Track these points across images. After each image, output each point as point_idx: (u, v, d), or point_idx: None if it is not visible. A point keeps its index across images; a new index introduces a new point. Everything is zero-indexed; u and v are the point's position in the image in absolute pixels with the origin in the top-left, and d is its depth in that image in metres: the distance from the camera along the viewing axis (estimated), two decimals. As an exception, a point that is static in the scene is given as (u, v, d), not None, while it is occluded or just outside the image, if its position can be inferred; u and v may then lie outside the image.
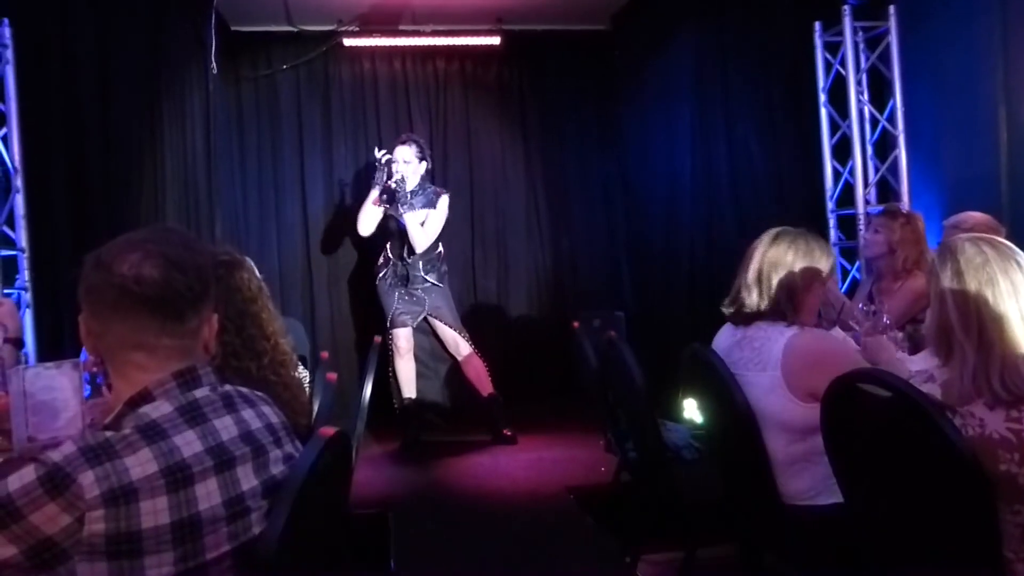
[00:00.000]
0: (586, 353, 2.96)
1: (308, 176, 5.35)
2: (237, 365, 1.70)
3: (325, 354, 2.72)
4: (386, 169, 4.38)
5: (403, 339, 4.49)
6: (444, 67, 5.53)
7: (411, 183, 4.41)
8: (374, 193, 4.45)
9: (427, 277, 4.47)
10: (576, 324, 3.19)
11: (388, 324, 4.49)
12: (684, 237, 4.86)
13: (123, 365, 1.17)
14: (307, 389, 2.11)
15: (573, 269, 5.64)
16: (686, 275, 4.83)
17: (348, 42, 5.24)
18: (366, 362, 2.76)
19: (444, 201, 4.49)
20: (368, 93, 5.46)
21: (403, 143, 4.48)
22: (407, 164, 4.42)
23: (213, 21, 3.97)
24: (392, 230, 4.50)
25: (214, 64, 4.00)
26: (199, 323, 1.19)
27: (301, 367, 2.02)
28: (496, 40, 5.31)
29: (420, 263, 4.45)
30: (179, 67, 3.89)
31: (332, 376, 2.23)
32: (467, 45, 5.37)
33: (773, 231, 2.07)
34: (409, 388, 4.54)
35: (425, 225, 4.42)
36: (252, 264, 1.86)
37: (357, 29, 5.23)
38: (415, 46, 5.38)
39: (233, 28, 5.09)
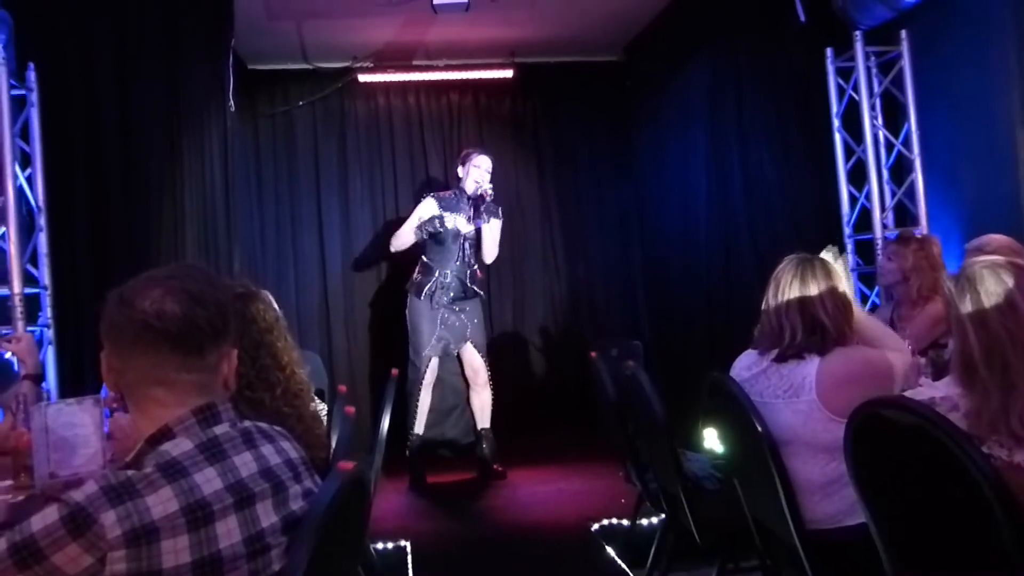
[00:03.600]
0: (604, 383, 2.94)
1: (324, 210, 5.41)
2: (250, 396, 1.70)
3: (343, 388, 2.73)
4: (434, 224, 4.34)
5: (432, 370, 4.44)
6: (458, 100, 5.61)
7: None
8: (413, 226, 4.44)
9: (473, 287, 4.49)
10: (593, 354, 3.17)
11: (424, 351, 4.38)
12: (701, 264, 4.86)
13: (143, 400, 1.18)
14: (324, 422, 2.10)
15: (590, 298, 5.64)
16: (704, 303, 4.81)
17: (363, 78, 5.33)
18: (383, 395, 2.76)
19: (501, 212, 4.60)
20: (383, 128, 5.54)
21: (483, 153, 4.55)
22: (488, 173, 4.47)
23: (231, 61, 4.04)
24: (447, 239, 4.42)
25: (232, 102, 4.06)
26: (219, 358, 1.20)
27: (318, 400, 2.02)
28: (509, 73, 5.38)
29: (467, 272, 4.47)
30: (198, 106, 3.96)
31: (350, 410, 2.23)
32: (480, 79, 5.45)
33: (792, 261, 2.07)
34: (422, 423, 4.48)
35: (493, 236, 4.52)
36: (270, 297, 1.87)
37: (371, 65, 5.33)
38: (429, 80, 5.46)
39: (250, 67, 5.19)
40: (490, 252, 4.50)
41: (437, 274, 4.43)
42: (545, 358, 5.54)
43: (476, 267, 4.53)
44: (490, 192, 4.38)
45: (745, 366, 2.13)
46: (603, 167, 5.70)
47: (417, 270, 4.52)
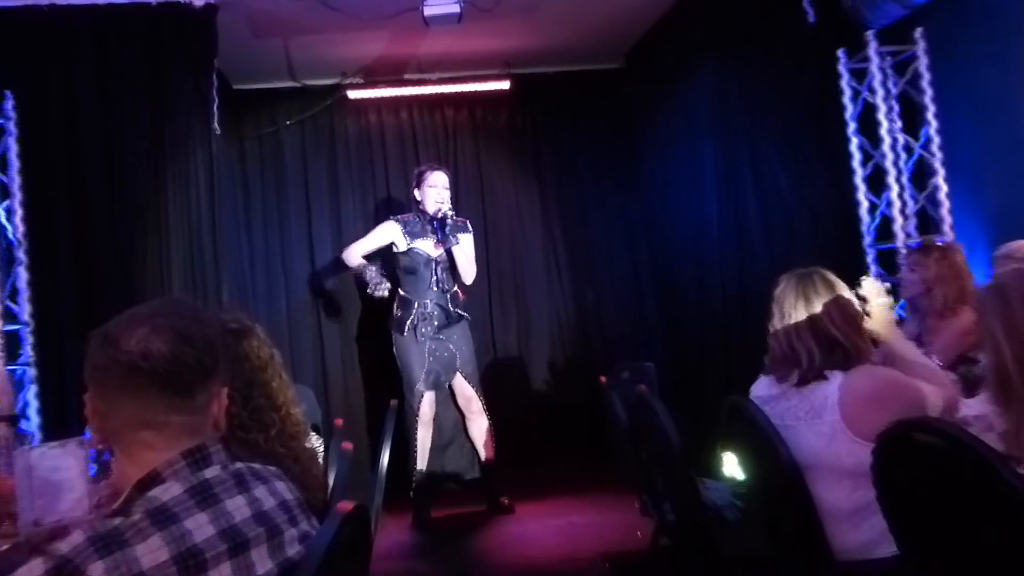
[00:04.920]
0: (615, 409, 2.94)
1: (316, 234, 5.45)
2: (243, 437, 1.70)
3: (339, 422, 2.72)
4: (373, 286, 4.35)
5: (428, 405, 4.44)
6: (453, 115, 5.65)
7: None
8: (364, 251, 4.50)
9: (456, 311, 4.49)
10: (603, 379, 3.17)
11: (416, 386, 4.40)
12: (715, 280, 4.86)
13: (130, 445, 1.19)
14: (320, 459, 2.10)
15: (598, 319, 5.65)
16: (719, 320, 4.81)
17: (353, 95, 5.37)
18: (382, 428, 2.76)
19: (469, 226, 4.60)
20: (375, 146, 5.58)
21: (437, 169, 4.53)
22: (446, 190, 4.48)
23: (215, 81, 4.08)
24: (419, 267, 4.45)
25: (217, 125, 4.09)
26: (208, 398, 1.21)
27: (314, 435, 2.02)
28: (506, 85, 5.42)
29: (448, 297, 4.47)
30: (182, 130, 3.98)
31: (348, 446, 2.23)
32: (476, 91, 5.49)
33: (791, 281, 2.08)
34: (424, 459, 4.47)
35: (466, 251, 4.50)
36: (263, 332, 1.87)
37: (361, 81, 5.37)
38: (422, 95, 5.51)
39: (235, 87, 5.24)
40: (467, 272, 4.49)
41: (416, 306, 4.44)
42: (552, 384, 5.53)
43: (455, 289, 4.53)
44: (450, 212, 4.37)
45: (764, 386, 2.13)
46: (607, 181, 5.73)
47: (395, 305, 4.53)
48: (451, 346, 4.45)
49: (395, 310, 4.53)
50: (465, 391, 4.51)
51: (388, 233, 4.52)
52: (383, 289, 4.35)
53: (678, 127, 5.18)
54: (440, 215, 4.35)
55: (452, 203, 4.49)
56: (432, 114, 5.64)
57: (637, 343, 5.52)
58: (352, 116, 5.56)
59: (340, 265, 5.35)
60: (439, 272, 4.45)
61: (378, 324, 5.05)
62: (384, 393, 4.39)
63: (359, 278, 4.39)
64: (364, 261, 4.41)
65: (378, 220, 5.45)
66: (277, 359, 1.85)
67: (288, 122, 5.46)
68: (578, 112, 5.72)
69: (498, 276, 5.59)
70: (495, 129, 5.71)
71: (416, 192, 4.51)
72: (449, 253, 4.44)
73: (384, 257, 4.66)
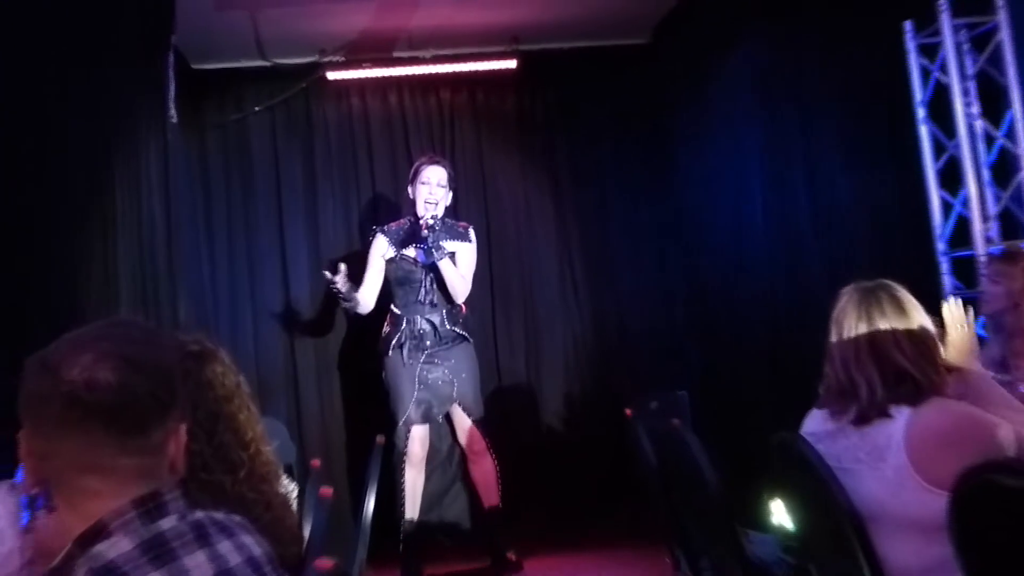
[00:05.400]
0: (643, 447, 2.95)
1: (289, 241, 5.48)
2: (206, 479, 1.72)
3: (316, 462, 2.73)
4: (344, 295, 4.32)
5: (419, 441, 4.44)
6: (450, 99, 5.69)
7: (439, 215, 4.44)
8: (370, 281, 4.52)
9: (454, 329, 4.49)
10: (629, 411, 3.18)
11: (403, 420, 4.41)
12: (760, 293, 4.87)
13: (71, 491, 1.19)
14: (295, 507, 2.11)
15: (621, 340, 5.66)
16: (765, 342, 4.82)
17: (333, 75, 5.41)
18: (366, 469, 2.77)
19: (472, 234, 4.61)
20: (359, 135, 5.62)
21: (434, 163, 4.55)
22: (441, 188, 4.48)
23: (171, 61, 4.11)
24: (403, 278, 4.50)
25: (173, 112, 4.12)
26: (164, 436, 1.22)
27: (287, 478, 2.03)
28: (512, 64, 5.44)
29: (444, 312, 4.48)
30: (131, 119, 4.01)
31: (327, 491, 2.23)
32: (477, 71, 5.52)
33: (853, 297, 2.09)
34: (414, 506, 4.47)
35: (459, 265, 4.50)
36: (227, 356, 1.88)
37: (343, 59, 5.40)
38: (414, 76, 5.54)
39: (195, 67, 5.28)
40: (457, 290, 4.46)
41: (405, 323, 4.46)
42: (567, 416, 5.53)
43: (455, 304, 4.54)
44: (432, 220, 4.36)
45: (818, 422, 2.13)
46: (633, 176, 5.75)
47: (386, 322, 4.57)
48: (447, 372, 4.45)
49: (384, 327, 4.57)
50: (465, 426, 4.52)
51: (379, 250, 4.58)
52: (354, 299, 4.33)
53: (717, 113, 5.20)
54: (426, 222, 4.36)
55: (452, 203, 4.50)
56: (426, 98, 5.67)
57: (668, 368, 5.52)
58: (332, 101, 5.60)
59: (317, 278, 5.38)
60: (427, 283, 4.46)
61: (363, 346, 5.09)
62: (369, 428, 4.40)
63: (344, 305, 4.40)
64: (350, 284, 4.37)
65: (363, 223, 5.53)
66: (244, 388, 1.87)
67: (257, 108, 5.50)
68: (598, 96, 5.73)
69: (503, 289, 5.60)
70: (500, 115, 5.73)
71: (410, 190, 4.55)
72: (433, 267, 4.44)
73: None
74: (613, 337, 5.67)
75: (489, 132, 5.72)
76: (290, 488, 2.09)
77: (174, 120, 4.41)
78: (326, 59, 5.39)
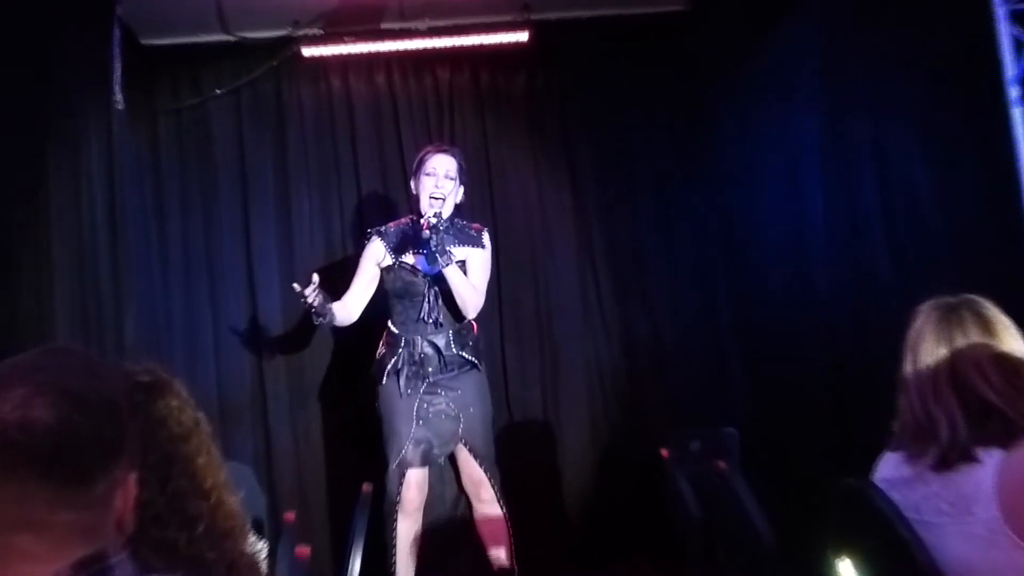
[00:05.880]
0: (682, 494, 2.95)
1: (257, 247, 5.48)
2: (159, 536, 1.67)
3: (291, 516, 2.73)
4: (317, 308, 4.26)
5: (415, 488, 4.40)
6: (449, 79, 5.70)
7: (445, 213, 4.40)
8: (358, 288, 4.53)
9: (462, 353, 4.47)
10: (665, 451, 3.18)
11: (396, 461, 4.39)
12: (820, 309, 4.86)
13: (2, 552, 1.19)
14: (265, 569, 2.11)
15: (655, 366, 5.65)
16: (826, 368, 4.81)
17: (308, 51, 5.43)
18: (351, 523, 2.77)
19: (487, 238, 4.59)
20: (340, 123, 5.64)
21: (442, 151, 4.53)
22: (449, 181, 4.47)
23: (117, 35, 4.12)
24: (402, 291, 4.48)
25: (119, 96, 4.14)
26: (110, 487, 1.22)
27: (254, 535, 2.03)
28: (523, 36, 5.45)
29: (450, 332, 4.47)
30: (69, 105, 4.02)
31: (303, 551, 2.23)
32: (482, 46, 5.52)
33: (932, 316, 2.09)
34: (408, 567, 4.43)
35: (471, 275, 4.45)
36: (184, 388, 1.85)
37: (321, 32, 5.41)
38: (406, 52, 5.55)
39: (144, 42, 5.30)
40: (466, 302, 4.40)
41: (403, 344, 4.45)
42: (591, 458, 5.52)
43: (465, 322, 4.51)
44: (436, 218, 4.30)
45: (889, 471, 2.13)
46: (667, 169, 5.74)
47: (381, 343, 4.56)
48: (452, 405, 4.43)
49: (380, 348, 4.56)
50: (472, 471, 4.50)
51: (373, 256, 4.56)
52: (329, 312, 4.32)
53: (768, 94, 5.19)
54: (428, 221, 4.32)
55: (461, 200, 4.49)
56: (420, 79, 5.68)
57: (711, 399, 5.51)
58: (308, 82, 5.62)
59: (291, 289, 5.36)
60: (434, 297, 4.46)
61: (350, 371, 5.10)
62: (355, 472, 4.41)
63: (316, 319, 4.38)
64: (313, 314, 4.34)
65: (344, 226, 5.55)
66: (205, 427, 1.85)
67: (218, 91, 5.53)
68: (625, 75, 5.72)
69: (513, 304, 5.60)
70: (509, 99, 5.74)
71: (412, 184, 4.55)
72: (438, 276, 4.42)
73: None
74: (645, 362, 5.66)
75: (496, 119, 5.72)
76: (259, 547, 2.09)
77: (120, 106, 4.43)
78: (300, 32, 5.40)
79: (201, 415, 1.85)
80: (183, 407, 1.81)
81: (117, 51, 4.30)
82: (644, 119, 5.75)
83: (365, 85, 5.68)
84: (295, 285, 4.15)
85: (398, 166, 5.58)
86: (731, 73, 5.51)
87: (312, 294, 4.14)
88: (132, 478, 1.26)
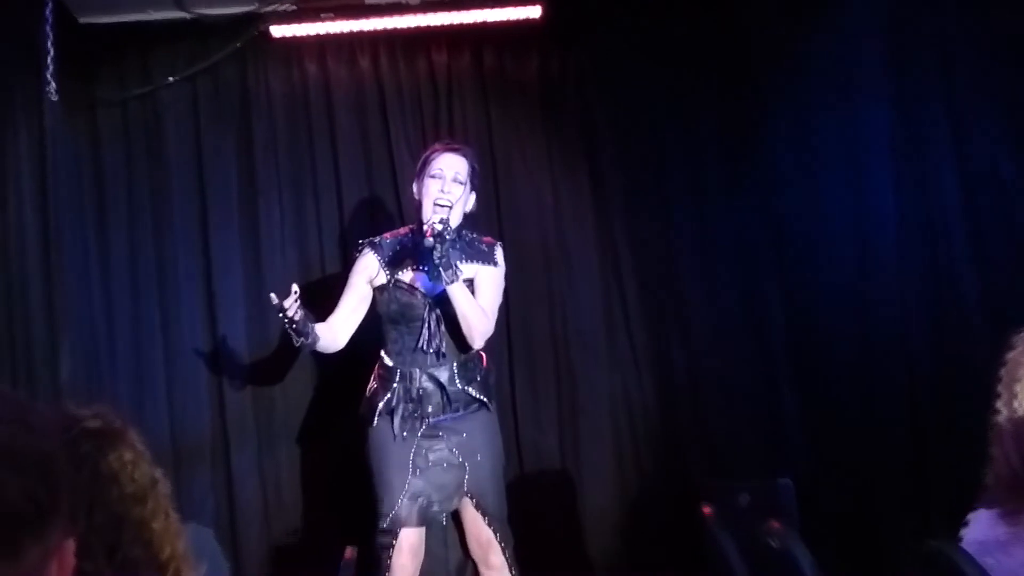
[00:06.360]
0: (728, 560, 2.93)
1: (217, 260, 5.47)
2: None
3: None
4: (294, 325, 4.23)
5: (409, 552, 4.35)
6: (447, 63, 5.71)
7: (453, 223, 4.38)
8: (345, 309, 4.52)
9: (468, 389, 4.46)
10: (707, 508, 3.16)
11: (387, 519, 4.35)
12: (893, 334, 4.87)
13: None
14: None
15: (695, 404, 5.65)
16: (900, 404, 4.81)
17: (279, 31, 5.44)
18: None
19: (500, 255, 4.58)
20: (316, 115, 5.64)
21: (451, 150, 4.52)
22: (458, 185, 4.45)
23: (49, 14, 4.12)
24: (398, 314, 4.46)
25: (52, 85, 4.14)
26: (43, 557, 1.21)
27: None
28: (535, 11, 5.47)
29: (455, 365, 4.45)
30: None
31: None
32: (486, 23, 5.53)
33: None
34: None
35: (480, 296, 4.44)
36: (138, 438, 1.85)
37: (294, 8, 5.41)
38: (396, 30, 5.55)
39: (83, 20, 5.26)
40: (473, 327, 4.36)
41: (398, 378, 4.43)
42: (618, 514, 5.53)
43: (471, 352, 4.50)
44: (443, 225, 4.26)
45: (982, 531, 2.12)
46: (706, 167, 5.76)
47: (373, 376, 4.55)
48: (456, 452, 4.40)
49: (371, 382, 4.54)
50: (480, 532, 4.47)
51: (365, 271, 4.54)
52: (311, 332, 4.30)
53: (828, 78, 5.20)
54: (433, 227, 4.26)
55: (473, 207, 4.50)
56: (412, 62, 5.69)
57: (761, 445, 5.52)
58: (278, 67, 5.63)
59: (257, 314, 5.42)
60: (436, 322, 4.44)
61: (329, 411, 5.12)
62: (337, 532, 4.40)
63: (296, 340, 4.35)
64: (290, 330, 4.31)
65: (322, 238, 5.57)
66: (163, 487, 1.84)
67: (172, 78, 5.52)
68: (656, 56, 5.73)
69: (524, 330, 5.60)
70: (518, 86, 5.75)
71: (414, 188, 4.54)
72: (441, 297, 4.40)
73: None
74: (682, 398, 5.66)
75: (502, 110, 5.73)
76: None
77: (54, 96, 4.43)
78: (269, 8, 5.40)
79: (159, 472, 1.85)
80: (138, 461, 1.81)
81: (50, 31, 4.30)
82: (681, 113, 5.76)
83: (346, 71, 5.69)
84: (272, 296, 4.13)
85: (386, 167, 5.61)
86: (782, 54, 5.51)
87: (292, 307, 4.13)
88: (69, 545, 1.24)
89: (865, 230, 5.03)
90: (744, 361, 5.70)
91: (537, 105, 5.77)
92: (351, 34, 5.57)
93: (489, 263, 4.54)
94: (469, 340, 4.42)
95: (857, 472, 5.07)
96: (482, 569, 4.52)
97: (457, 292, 4.32)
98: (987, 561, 2.06)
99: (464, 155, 4.52)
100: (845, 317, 5.18)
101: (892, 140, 4.85)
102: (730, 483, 4.68)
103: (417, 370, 4.42)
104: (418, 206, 4.48)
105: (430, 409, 4.41)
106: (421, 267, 4.42)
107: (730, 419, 5.62)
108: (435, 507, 4.40)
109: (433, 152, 4.52)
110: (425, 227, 4.29)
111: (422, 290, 4.44)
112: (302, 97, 5.66)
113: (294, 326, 4.18)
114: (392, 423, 4.39)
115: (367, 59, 5.70)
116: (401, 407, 4.41)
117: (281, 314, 4.14)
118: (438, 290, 4.37)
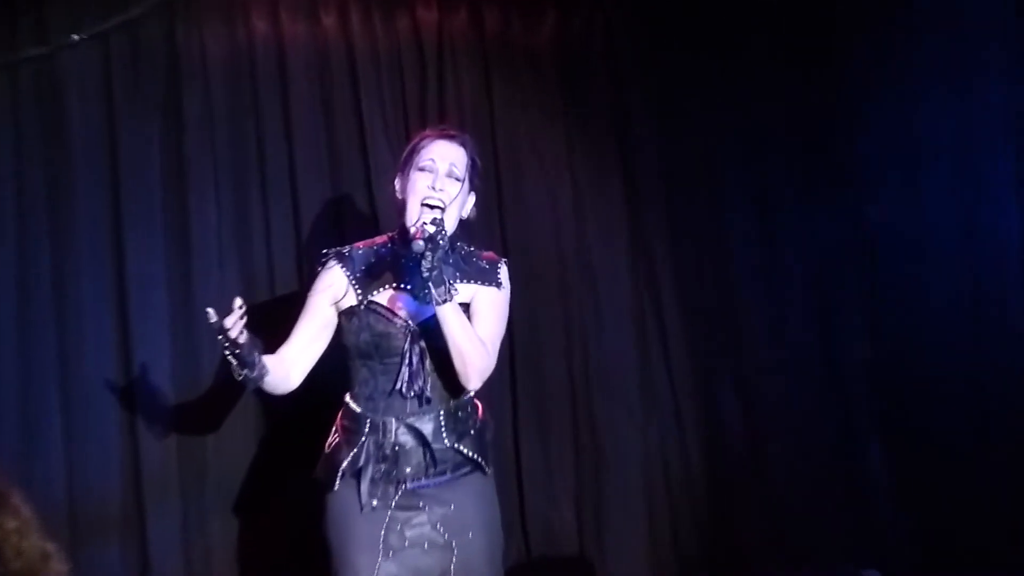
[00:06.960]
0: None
1: (132, 275, 5.36)
2: None
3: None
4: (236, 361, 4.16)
5: None
6: (437, 23, 5.73)
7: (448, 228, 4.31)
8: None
9: (459, 447, 4.36)
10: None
11: None
12: (1017, 379, 4.91)
13: None
14: None
15: (753, 469, 5.68)
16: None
17: (215, -18, 5.46)
18: None
19: (505, 274, 4.50)
20: (266, 87, 5.60)
21: (446, 137, 4.47)
22: (454, 182, 4.40)
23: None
24: (370, 346, 4.36)
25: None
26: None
27: None
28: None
29: (441, 412, 4.35)
30: None
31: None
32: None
33: None
34: None
35: (478, 324, 4.35)
36: (25, 504, 1.89)
37: (235, -46, 5.46)
38: (370, -18, 5.59)
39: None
40: (470, 363, 4.27)
41: (368, 429, 4.36)
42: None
43: (464, 398, 4.42)
44: (436, 226, 4.19)
45: None
46: (771, 162, 5.82)
47: (335, 424, 4.49)
48: (441, 528, 4.33)
49: (332, 435, 4.46)
50: None
51: (329, 289, 4.44)
52: (258, 364, 4.19)
53: (935, 52, 5.29)
54: (423, 229, 4.19)
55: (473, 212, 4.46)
56: (391, 21, 5.71)
57: (840, 523, 5.55)
58: (216, 23, 5.58)
59: (183, 341, 5.38)
60: (419, 357, 4.36)
61: (278, 470, 5.14)
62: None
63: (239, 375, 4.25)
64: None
65: (270, 245, 5.54)
66: (56, 563, 1.88)
67: (75, 36, 5.45)
68: (704, 16, 5.81)
69: (532, 371, 5.60)
70: (527, 53, 5.78)
71: (397, 184, 4.49)
72: (428, 325, 4.33)
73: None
74: (737, 460, 5.69)
75: (508, 83, 5.74)
76: None
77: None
78: (205, -50, 5.45)
79: (52, 547, 1.91)
80: (24, 531, 1.87)
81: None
82: (739, 95, 5.82)
83: (305, 30, 5.66)
84: (209, 311, 4.00)
85: (356, 155, 5.61)
86: (871, 24, 5.64)
87: (236, 327, 4.00)
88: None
89: (981, 247, 5.12)
90: (818, 412, 5.77)
91: (553, 80, 5.80)
92: (313, -14, 5.58)
93: (490, 284, 4.47)
94: (463, 380, 4.33)
95: (967, 564, 5.08)
96: None
97: (450, 315, 4.22)
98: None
99: (462, 144, 4.46)
100: (954, 358, 5.26)
101: (1019, 135, 4.91)
102: (798, 572, 4.61)
103: (393, 420, 4.33)
104: (400, 207, 4.41)
105: (408, 471, 4.33)
106: (403, 284, 4.35)
107: (799, 487, 5.66)
108: None
109: (423, 139, 4.47)
110: (413, 229, 4.21)
111: (403, 315, 4.35)
112: (247, 64, 5.61)
113: (237, 351, 4.07)
114: (359, 488, 4.31)
115: (332, 16, 5.69)
116: (371, 468, 4.33)
117: (221, 336, 4.03)
118: (425, 315, 4.29)
